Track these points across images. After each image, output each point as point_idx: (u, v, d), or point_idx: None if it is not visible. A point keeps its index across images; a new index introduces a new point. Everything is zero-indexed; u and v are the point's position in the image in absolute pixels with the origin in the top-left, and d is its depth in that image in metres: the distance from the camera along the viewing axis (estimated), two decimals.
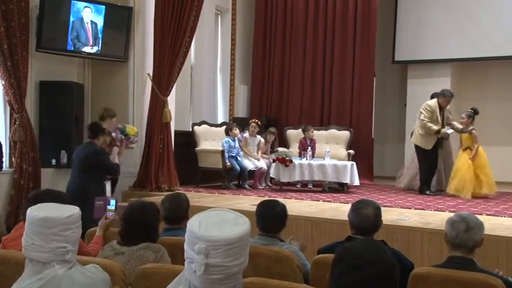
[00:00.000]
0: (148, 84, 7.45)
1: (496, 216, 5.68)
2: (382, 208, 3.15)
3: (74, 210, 2.08)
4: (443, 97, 7.54)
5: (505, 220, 5.47)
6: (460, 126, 7.47)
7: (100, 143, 5.74)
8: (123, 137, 6.48)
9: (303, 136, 8.49)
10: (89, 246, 3.47)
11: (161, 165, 7.31)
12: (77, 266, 2.03)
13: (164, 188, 7.25)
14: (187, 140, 8.26)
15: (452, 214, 2.89)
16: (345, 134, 8.74)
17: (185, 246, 1.69)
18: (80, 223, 2.10)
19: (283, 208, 3.33)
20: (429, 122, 7.47)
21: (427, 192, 7.52)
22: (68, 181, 5.66)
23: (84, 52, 7.22)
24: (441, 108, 7.62)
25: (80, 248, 3.29)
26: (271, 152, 8.51)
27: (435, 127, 7.41)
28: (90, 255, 3.19)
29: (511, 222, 5.36)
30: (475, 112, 7.46)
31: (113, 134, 6.40)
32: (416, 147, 7.64)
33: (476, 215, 2.90)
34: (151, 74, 7.39)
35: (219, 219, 1.70)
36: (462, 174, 7.18)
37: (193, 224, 1.68)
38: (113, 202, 3.76)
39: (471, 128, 7.37)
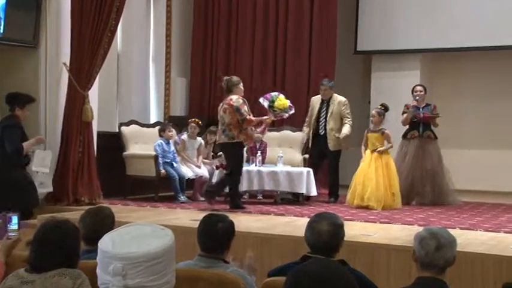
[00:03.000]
0: (65, 75, 7.31)
1: (471, 230, 5.86)
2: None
3: None
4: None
5: (480, 234, 5.64)
6: (346, 132, 7.80)
7: (24, 115, 6.28)
8: (268, 108, 7.07)
9: None
10: None
11: (80, 174, 7.21)
12: None
13: (84, 201, 7.15)
14: (113, 143, 8.16)
15: (421, 228, 2.96)
16: (300, 135, 8.81)
17: (98, 271, 1.67)
18: None
19: (229, 224, 3.31)
20: (307, 120, 8.25)
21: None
22: None
23: None
24: (324, 101, 8.10)
25: None
26: (213, 157, 8.49)
27: (305, 129, 8.23)
28: None
29: (487, 236, 5.53)
30: (386, 109, 7.77)
31: (262, 101, 7.16)
32: None
33: (449, 229, 2.98)
34: (68, 64, 7.26)
35: (135, 234, 1.70)
36: (369, 182, 7.40)
37: (106, 242, 1.67)
38: (14, 220, 3.65)
39: (381, 127, 7.64)
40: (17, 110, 6.29)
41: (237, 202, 7.13)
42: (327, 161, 8.15)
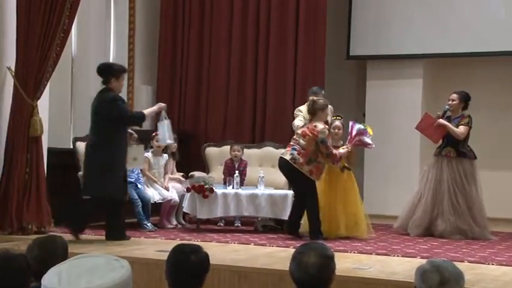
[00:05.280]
0: (9, 81, 7.28)
1: (482, 263, 5.89)
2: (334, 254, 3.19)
3: None
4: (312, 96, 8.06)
5: (492, 269, 5.68)
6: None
7: (119, 86, 6.88)
8: (363, 129, 7.52)
9: (229, 157, 8.51)
10: None
11: (27, 197, 7.14)
12: None
13: (31, 229, 7.07)
14: (67, 161, 8.11)
15: (424, 261, 2.98)
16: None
17: None
18: None
19: (203, 257, 3.30)
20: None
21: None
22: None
23: None
24: None
25: None
26: (184, 177, 8.46)
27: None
28: None
29: (500, 271, 5.58)
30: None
31: (351, 125, 7.52)
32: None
33: (456, 262, 3.00)
34: (13, 68, 7.23)
35: (85, 267, 1.69)
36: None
37: (50, 278, 1.66)
38: None
39: (342, 141, 7.67)
40: (112, 82, 6.79)
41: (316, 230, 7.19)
42: None
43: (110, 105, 6.74)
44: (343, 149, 7.40)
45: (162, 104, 7.31)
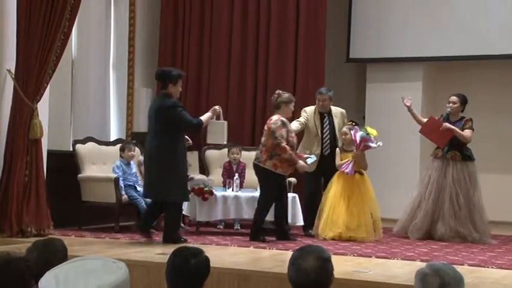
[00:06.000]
0: (9, 84, 7.29)
1: (482, 267, 5.90)
2: (333, 257, 3.18)
3: None
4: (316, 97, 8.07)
5: (493, 272, 5.68)
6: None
7: (177, 91, 6.97)
8: (365, 135, 7.41)
9: (228, 159, 8.50)
10: None
11: (27, 200, 7.15)
12: None
13: (31, 232, 7.09)
14: (67, 163, 8.15)
15: (424, 264, 2.98)
16: None
17: None
18: None
19: (203, 261, 3.29)
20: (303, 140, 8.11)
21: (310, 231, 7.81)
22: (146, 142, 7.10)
23: None
24: (323, 115, 8.06)
25: None
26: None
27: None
28: None
29: (500, 274, 5.58)
30: (357, 124, 7.75)
31: (352, 134, 7.45)
32: None
33: (455, 266, 3.00)
34: (13, 71, 7.24)
35: (83, 270, 1.69)
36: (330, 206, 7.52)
37: (48, 281, 1.66)
38: None
39: (353, 147, 7.64)
40: (170, 87, 6.92)
41: (256, 234, 7.25)
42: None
43: (169, 112, 6.83)
44: (352, 157, 7.46)
45: (217, 108, 7.29)
